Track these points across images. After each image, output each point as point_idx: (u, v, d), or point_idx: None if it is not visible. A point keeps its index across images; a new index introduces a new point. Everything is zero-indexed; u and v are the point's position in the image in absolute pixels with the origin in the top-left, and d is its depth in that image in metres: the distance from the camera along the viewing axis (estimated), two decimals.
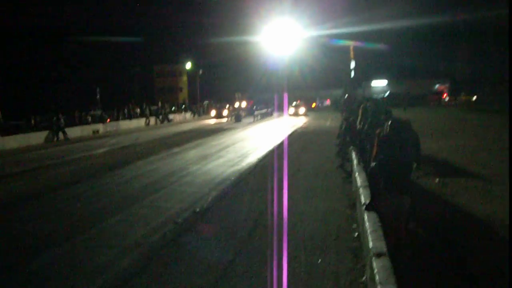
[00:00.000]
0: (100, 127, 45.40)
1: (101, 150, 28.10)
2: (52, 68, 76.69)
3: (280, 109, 60.40)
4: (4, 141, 33.21)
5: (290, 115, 59.53)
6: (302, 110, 60.85)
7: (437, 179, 13.69)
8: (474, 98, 74.00)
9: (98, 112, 51.29)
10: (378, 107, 15.40)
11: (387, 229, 7.27)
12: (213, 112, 63.65)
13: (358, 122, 17.75)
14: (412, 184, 9.74)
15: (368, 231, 7.20)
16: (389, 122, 8.30)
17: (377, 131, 9.10)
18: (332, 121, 41.72)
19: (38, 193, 15.20)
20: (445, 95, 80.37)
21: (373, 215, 7.88)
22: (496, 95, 60.47)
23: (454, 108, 59.34)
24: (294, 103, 62.26)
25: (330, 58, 74.85)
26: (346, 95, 45.70)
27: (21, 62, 73.17)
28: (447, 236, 9.03)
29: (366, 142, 13.14)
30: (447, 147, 21.30)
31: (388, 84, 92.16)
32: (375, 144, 8.76)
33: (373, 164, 8.55)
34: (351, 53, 59.90)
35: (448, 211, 10.74)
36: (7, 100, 55.30)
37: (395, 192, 7.69)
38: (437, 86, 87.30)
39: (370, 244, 6.58)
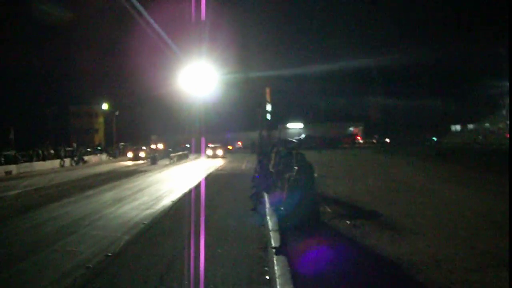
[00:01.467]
0: (13, 168, 44.51)
1: (13, 192, 27.46)
2: None
3: (197, 151, 60.58)
4: None
5: (208, 156, 59.84)
6: (219, 152, 61.34)
7: (348, 221, 13.98)
8: (388, 140, 76.24)
9: (12, 152, 50.30)
10: (289, 151, 15.76)
11: (296, 272, 7.44)
12: (130, 154, 63.20)
13: (271, 165, 18.03)
14: (321, 227, 9.95)
15: (277, 274, 7.36)
16: (298, 166, 8.55)
17: (287, 175, 9.34)
18: (247, 164, 42.10)
19: None
20: (358, 137, 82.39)
21: (282, 258, 8.06)
22: (406, 138, 62.71)
23: (367, 150, 60.71)
24: (211, 145, 62.58)
25: (246, 100, 75.80)
26: (260, 137, 46.31)
27: None
28: (357, 279, 9.25)
29: (277, 185, 13.39)
30: (359, 189, 21.78)
31: (304, 127, 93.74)
32: (285, 188, 8.99)
33: (281, 208, 8.77)
34: (268, 96, 60.72)
35: (358, 252, 10.99)
36: None
37: (302, 235, 7.91)
38: (351, 129, 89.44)
39: None
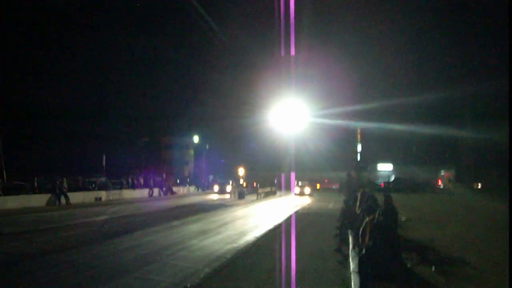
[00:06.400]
0: (103, 194, 45.39)
1: (101, 218, 28.01)
2: (60, 132, 77.26)
3: (285, 188, 60.29)
4: (5, 200, 33.27)
5: (296, 194, 59.28)
6: (307, 190, 60.87)
7: (433, 267, 13.55)
8: (479, 185, 74.07)
9: (103, 179, 51.33)
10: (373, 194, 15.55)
11: None
12: (216, 188, 63.57)
13: (357, 207, 17.73)
14: (403, 272, 9.63)
15: None
16: (381, 210, 8.30)
17: (370, 217, 9.09)
18: (335, 203, 41.65)
19: (30, 256, 15.17)
20: (439, 181, 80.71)
21: None
22: (501, 182, 60.34)
23: (458, 195, 59.18)
24: (300, 183, 62.11)
25: (336, 139, 75.32)
26: (348, 178, 45.91)
27: (28, 122, 73.79)
28: None
29: (361, 226, 13.10)
30: (447, 233, 21.26)
31: (393, 169, 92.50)
32: (367, 231, 8.74)
33: (363, 251, 8.51)
34: (358, 136, 60.14)
35: None
36: (12, 160, 55.52)
37: (383, 280, 7.64)
38: (442, 172, 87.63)
39: None
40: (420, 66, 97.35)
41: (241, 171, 79.63)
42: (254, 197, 53.23)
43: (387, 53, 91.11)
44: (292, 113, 43.70)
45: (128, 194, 49.84)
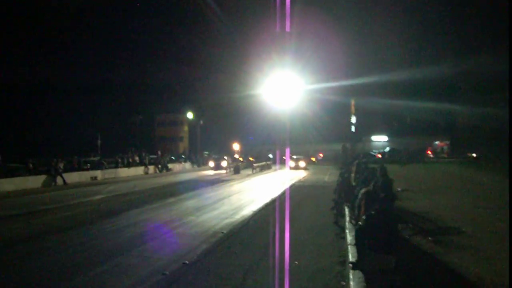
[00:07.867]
0: (98, 173, 45.36)
1: (97, 197, 28.02)
2: (53, 113, 77.02)
3: (280, 162, 60.28)
4: (1, 183, 33.16)
5: (291, 168, 59.18)
6: (302, 163, 60.73)
7: (430, 237, 13.62)
8: (474, 155, 74.09)
9: (97, 158, 51.24)
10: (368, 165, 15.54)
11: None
12: (211, 163, 63.35)
13: (352, 179, 17.73)
14: (400, 243, 9.65)
15: None
16: (375, 181, 8.32)
17: (365, 190, 9.10)
18: (330, 176, 41.77)
19: (28, 237, 15.22)
20: (429, 152, 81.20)
21: (359, 274, 7.80)
22: (496, 152, 60.17)
23: (452, 165, 59.18)
24: (294, 157, 61.96)
25: (331, 112, 75.19)
26: (344, 150, 45.97)
27: (22, 104, 73.63)
28: None
29: (357, 198, 13.10)
30: (442, 204, 21.23)
31: (388, 140, 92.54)
32: (363, 203, 8.76)
33: (360, 223, 8.54)
34: (352, 108, 60.19)
35: (438, 270, 10.62)
36: (7, 143, 55.37)
37: (380, 251, 7.66)
38: (436, 142, 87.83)
39: None
40: (416, 40, 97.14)
41: (236, 146, 79.45)
42: (249, 171, 53.31)
43: (382, 27, 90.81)
44: (286, 87, 43.62)
45: (124, 172, 49.82)
